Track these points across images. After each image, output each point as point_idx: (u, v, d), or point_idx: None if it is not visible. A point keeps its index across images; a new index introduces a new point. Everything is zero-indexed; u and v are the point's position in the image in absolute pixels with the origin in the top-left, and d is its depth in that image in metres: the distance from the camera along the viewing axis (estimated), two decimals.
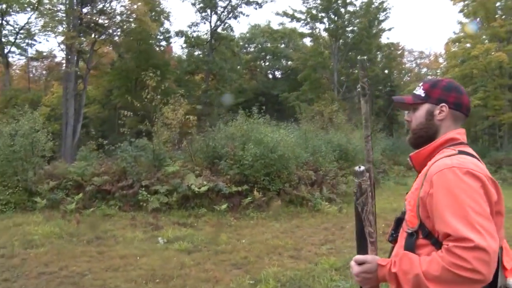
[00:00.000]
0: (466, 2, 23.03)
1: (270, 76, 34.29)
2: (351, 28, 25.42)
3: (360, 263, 1.46)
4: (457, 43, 25.82)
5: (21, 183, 8.93)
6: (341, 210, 9.97)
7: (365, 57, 1.73)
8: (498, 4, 22.21)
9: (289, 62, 33.89)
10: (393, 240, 1.55)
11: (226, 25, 23.98)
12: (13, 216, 8.32)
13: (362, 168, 1.49)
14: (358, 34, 24.65)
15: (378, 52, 27.63)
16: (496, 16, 22.37)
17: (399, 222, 1.54)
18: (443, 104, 1.51)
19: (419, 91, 1.58)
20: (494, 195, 1.31)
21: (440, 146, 1.49)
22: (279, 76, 33.63)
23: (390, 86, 28.90)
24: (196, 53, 28.42)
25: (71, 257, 5.91)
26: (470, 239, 1.18)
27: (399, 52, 30.83)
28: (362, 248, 1.49)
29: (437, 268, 1.22)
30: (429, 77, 31.04)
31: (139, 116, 18.23)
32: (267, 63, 34.05)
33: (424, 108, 1.55)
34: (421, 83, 1.62)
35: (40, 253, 6.02)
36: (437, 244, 1.31)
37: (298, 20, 25.85)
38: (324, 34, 26.51)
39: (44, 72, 28.94)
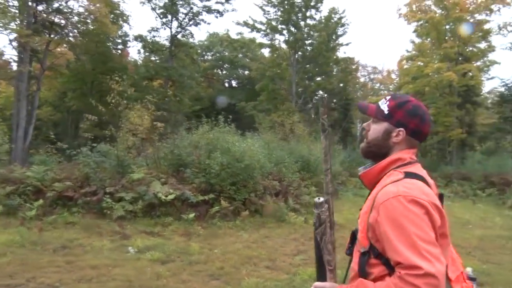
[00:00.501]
0: (420, 23, 24.29)
1: (227, 85, 34.35)
2: (310, 41, 26.01)
3: None
4: (409, 61, 27.21)
5: None
6: (307, 221, 10.12)
7: (326, 95, 1.89)
8: (448, 26, 23.58)
9: (246, 72, 34.16)
10: (350, 253, 1.63)
11: (187, 31, 23.83)
12: None
13: (322, 199, 1.56)
14: (316, 48, 25.27)
15: (334, 66, 28.44)
16: (446, 37, 23.75)
17: (354, 235, 1.62)
18: (401, 129, 1.54)
19: (384, 106, 1.59)
20: (437, 220, 1.39)
21: (387, 166, 1.54)
22: (236, 86, 33.75)
23: (345, 99, 29.80)
24: (152, 58, 28.03)
25: (37, 268, 5.61)
26: (420, 266, 1.26)
27: (354, 67, 31.93)
28: (321, 276, 1.56)
29: None
30: (387, 92, 32.42)
31: (99, 120, 17.69)
32: (224, 72, 34.09)
33: (383, 125, 1.58)
34: (389, 98, 1.62)
35: (2, 263, 5.66)
36: (387, 264, 1.39)
37: (258, 30, 26.14)
38: (283, 45, 26.98)
39: None
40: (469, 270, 1.63)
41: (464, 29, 21.69)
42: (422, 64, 23.43)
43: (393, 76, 35.89)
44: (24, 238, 6.75)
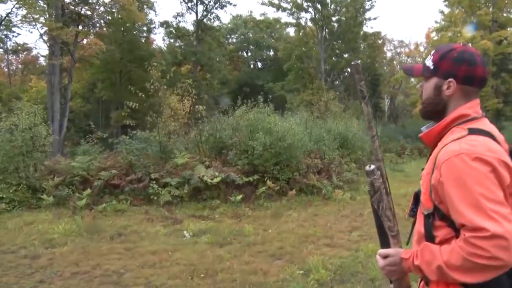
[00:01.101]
0: None
1: (253, 66, 33.96)
2: (337, 17, 25.34)
3: (384, 257, 1.49)
4: (439, 32, 26.18)
5: (24, 180, 8.43)
6: (353, 198, 9.91)
7: (359, 61, 1.59)
8: None
9: (271, 53, 33.68)
10: (414, 215, 1.57)
11: (213, 14, 23.52)
12: (21, 215, 7.85)
13: (372, 167, 1.50)
14: (344, 23, 24.59)
15: (362, 42, 27.67)
16: (478, 4, 22.71)
17: (417, 196, 1.55)
18: (451, 79, 1.44)
19: (429, 62, 1.50)
20: (506, 178, 1.27)
21: (450, 124, 1.44)
22: (262, 67, 33.30)
23: (373, 75, 29.12)
24: (177, 44, 27.88)
25: (99, 255, 5.59)
26: (486, 228, 1.17)
27: (380, 42, 31.06)
28: (384, 242, 1.52)
29: (457, 258, 1.23)
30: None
31: (130, 109, 17.74)
32: (249, 54, 33.70)
33: (433, 81, 1.49)
34: (433, 51, 1.52)
35: (65, 252, 5.67)
36: (453, 226, 1.32)
37: (284, 9, 25.61)
38: (310, 24, 26.37)
39: (19, 66, 27.68)
40: None
41: (468, 30, 20.76)
42: (453, 34, 22.49)
43: (421, 48, 34.75)
44: (80, 227, 6.76)
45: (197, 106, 10.07)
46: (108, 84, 21.29)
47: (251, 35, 31.66)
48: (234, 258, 5.52)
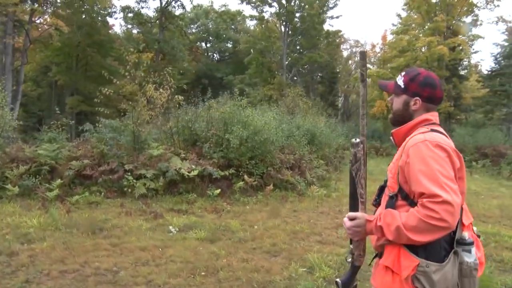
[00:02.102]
0: None
1: (212, 58, 33.40)
2: (300, 13, 25.43)
3: (351, 219, 1.77)
4: (395, 34, 27.08)
5: None
6: (328, 195, 10.01)
7: (366, 49, 1.88)
8: (437, 0, 23.48)
9: (229, 45, 33.31)
10: (377, 204, 1.87)
11: (178, 2, 22.74)
12: None
13: (358, 140, 1.79)
14: (308, 20, 24.73)
15: (324, 39, 27.98)
16: (435, 11, 23.68)
17: (381, 189, 1.86)
18: (417, 98, 1.80)
19: (400, 82, 1.86)
20: (457, 163, 1.64)
21: (416, 125, 1.78)
22: (222, 59, 32.82)
23: (331, 73, 29.61)
24: (135, 31, 26.85)
25: (84, 252, 5.22)
26: (439, 195, 1.49)
27: (339, 40, 31.60)
28: (354, 207, 1.80)
29: (413, 220, 1.53)
30: (371, 65, 32.33)
31: (84, 96, 16.76)
32: (209, 45, 33.11)
33: (402, 97, 1.85)
34: (403, 73, 1.89)
35: (46, 248, 5.24)
36: (413, 204, 1.61)
37: (248, 2, 25.35)
38: (273, 18, 26.26)
39: None
40: (475, 228, 1.81)
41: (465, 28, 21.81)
42: (411, 37, 23.34)
43: (377, 49, 35.83)
44: (57, 221, 6.30)
45: (176, 96, 9.67)
46: (64, 68, 20.05)
47: (211, 26, 31.08)
48: (229, 255, 5.36)
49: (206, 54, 32.66)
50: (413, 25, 28.09)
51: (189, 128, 9.96)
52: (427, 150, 1.59)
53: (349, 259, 1.91)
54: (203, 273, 4.68)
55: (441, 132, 1.72)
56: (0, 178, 7.93)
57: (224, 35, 30.95)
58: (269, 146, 10.20)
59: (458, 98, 24.73)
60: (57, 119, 9.97)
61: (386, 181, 1.82)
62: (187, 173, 8.63)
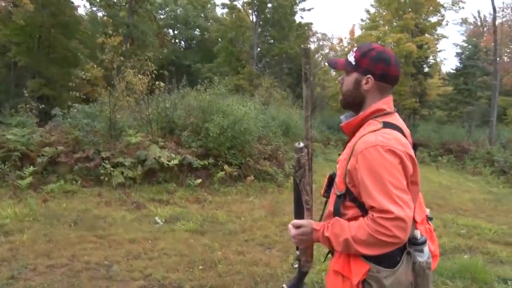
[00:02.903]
0: None
1: (180, 45, 32.61)
2: (273, 4, 25.20)
3: (297, 227, 1.66)
4: (363, 30, 27.44)
5: None
6: None
7: (309, 45, 1.85)
8: None
9: (197, 32, 32.65)
10: (327, 195, 1.76)
11: None
12: None
13: (302, 144, 1.65)
14: (281, 11, 24.56)
15: (295, 31, 27.91)
16: (404, 8, 24.14)
17: (331, 179, 1.74)
18: (369, 75, 1.61)
19: (351, 58, 1.67)
20: (410, 169, 1.50)
21: (367, 116, 1.62)
22: (189, 46, 32.10)
23: (299, 65, 29.56)
24: (100, 14, 25.75)
25: (70, 244, 4.92)
26: (391, 211, 1.39)
27: (310, 33, 31.70)
28: (299, 214, 1.70)
29: (363, 234, 1.44)
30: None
31: (47, 80, 15.75)
32: (176, 32, 32.27)
33: (353, 76, 1.65)
34: (355, 49, 1.69)
35: (27, 241, 4.89)
36: (362, 207, 1.52)
37: None
38: (245, 7, 25.91)
39: None
40: (427, 211, 1.78)
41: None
42: (381, 33, 23.73)
43: (345, 43, 36.26)
44: (35, 211, 5.90)
45: (157, 82, 9.27)
46: (25, 48, 18.87)
47: (179, 12, 30.25)
48: (223, 248, 5.21)
49: (173, 41, 31.85)
50: (381, 21, 28.61)
51: (166, 115, 9.62)
52: (378, 156, 1.45)
53: (296, 265, 1.82)
54: (200, 267, 4.51)
55: (395, 126, 1.57)
56: None
57: (193, 23, 30.23)
58: (248, 136, 10.05)
59: (423, 94, 25.45)
60: (25, 103, 9.35)
61: (333, 173, 1.73)
62: (166, 162, 8.33)
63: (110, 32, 19.72)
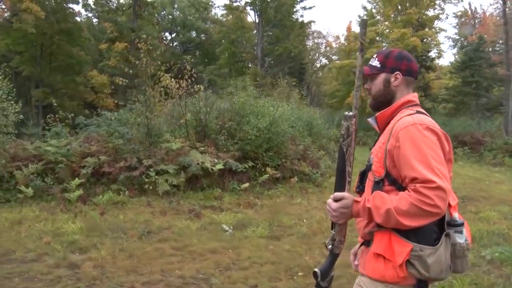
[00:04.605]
0: None
1: (178, 48, 32.12)
2: (274, 3, 24.94)
3: (337, 200, 1.67)
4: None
5: None
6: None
7: (366, 17, 1.69)
8: None
9: (194, 35, 32.21)
10: (360, 190, 1.78)
11: None
12: None
13: (352, 113, 1.68)
14: (285, 10, 24.31)
15: (298, 30, 27.69)
16: (407, 3, 24.17)
17: (363, 175, 1.78)
18: (397, 72, 1.75)
19: (375, 63, 1.79)
20: (446, 146, 1.61)
21: (400, 106, 1.73)
22: (187, 49, 31.63)
23: (300, 63, 29.55)
24: (95, 20, 25.22)
25: (151, 259, 4.65)
26: (433, 180, 1.45)
27: (309, 31, 31.58)
28: (341, 186, 1.68)
29: (405, 204, 1.48)
30: (337, 56, 32.67)
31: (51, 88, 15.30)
32: (173, 35, 31.85)
33: (381, 77, 1.78)
34: (376, 55, 1.82)
35: (106, 258, 4.60)
36: (401, 189, 1.57)
37: None
38: (248, 7, 25.65)
39: None
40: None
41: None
42: (383, 28, 23.72)
43: (342, 39, 36.20)
44: (100, 225, 5.60)
45: (197, 86, 8.98)
46: (28, 57, 18.38)
47: (177, 15, 29.83)
48: (308, 252, 5.00)
49: (171, 45, 31.40)
50: (379, 17, 28.65)
51: (200, 120, 9.33)
52: (418, 133, 1.54)
53: (330, 246, 1.80)
54: (300, 274, 4.29)
55: (426, 114, 1.69)
56: (7, 179, 6.97)
57: (192, 25, 29.82)
58: (282, 137, 9.84)
59: (426, 88, 25.54)
60: (54, 113, 9.00)
61: (368, 166, 1.75)
62: (211, 167, 8.06)
63: (113, 37, 19.31)
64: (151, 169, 7.63)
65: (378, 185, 1.64)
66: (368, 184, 1.72)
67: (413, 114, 1.64)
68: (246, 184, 8.28)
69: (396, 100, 1.75)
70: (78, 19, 25.38)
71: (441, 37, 66.10)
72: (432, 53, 27.20)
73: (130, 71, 10.93)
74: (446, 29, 33.06)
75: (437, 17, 27.01)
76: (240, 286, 3.96)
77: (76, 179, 7.07)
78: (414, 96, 1.76)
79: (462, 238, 1.60)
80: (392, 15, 25.31)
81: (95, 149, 7.73)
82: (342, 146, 1.68)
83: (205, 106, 9.23)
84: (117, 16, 20.84)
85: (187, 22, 29.12)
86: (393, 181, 1.60)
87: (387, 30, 23.53)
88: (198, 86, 8.90)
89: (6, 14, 18.64)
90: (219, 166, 8.19)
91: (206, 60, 28.51)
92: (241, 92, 10.18)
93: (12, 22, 17.43)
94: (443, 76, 29.45)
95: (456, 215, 1.62)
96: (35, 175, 7.20)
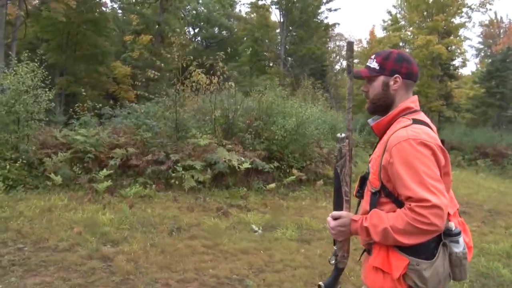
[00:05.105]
0: None
1: (201, 44, 32.13)
2: (300, 4, 24.79)
3: (335, 218, 1.69)
4: (386, 31, 27.08)
5: (23, 154, 6.79)
6: None
7: (354, 40, 1.49)
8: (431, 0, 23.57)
9: (216, 31, 32.19)
10: (360, 196, 1.78)
11: None
12: (26, 198, 6.30)
13: (343, 135, 1.69)
14: (310, 11, 24.15)
15: (323, 31, 27.53)
16: (434, 10, 23.77)
17: (363, 180, 1.77)
18: (397, 75, 1.68)
19: (373, 64, 1.72)
20: (442, 160, 1.55)
21: (397, 114, 1.67)
22: (209, 45, 31.62)
23: (321, 66, 29.36)
24: (119, 12, 25.34)
25: (184, 256, 4.59)
26: (428, 199, 1.43)
27: (330, 33, 31.34)
28: (338, 205, 1.71)
29: (401, 223, 1.47)
30: (360, 59, 32.39)
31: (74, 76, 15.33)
32: (196, 30, 31.89)
33: (380, 79, 1.71)
34: (373, 56, 1.75)
35: (138, 252, 4.55)
36: (397, 202, 1.56)
37: None
38: (273, 6, 25.54)
39: None
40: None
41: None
42: (409, 34, 23.38)
43: (364, 44, 35.87)
44: (130, 218, 5.56)
45: (228, 83, 8.92)
46: (55, 45, 18.55)
47: (201, 10, 29.84)
48: None
49: (194, 40, 31.43)
50: (403, 22, 28.30)
51: (227, 117, 9.27)
52: (411, 149, 1.50)
53: (333, 261, 1.81)
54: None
55: (424, 122, 1.62)
56: (36, 167, 6.99)
57: (216, 21, 29.77)
58: (308, 139, 9.73)
59: (448, 97, 25.11)
60: (82, 102, 9.03)
61: (368, 173, 1.73)
62: (238, 166, 7.99)
63: (138, 29, 19.34)
64: (178, 164, 7.59)
65: (374, 196, 1.63)
66: (367, 192, 1.71)
67: (408, 126, 1.57)
68: (273, 185, 8.20)
69: (395, 105, 1.70)
70: (104, 9, 25.63)
71: (465, 45, 65.09)
72: (456, 62, 26.80)
73: (160, 63, 10.89)
74: (471, 38, 32.30)
75: (463, 25, 26.58)
76: None
77: (104, 169, 7.06)
78: (412, 102, 1.70)
79: (458, 247, 1.58)
80: (417, 21, 24.90)
81: (123, 141, 7.71)
82: (336, 167, 1.70)
83: (234, 103, 9.17)
84: (143, 8, 20.87)
85: (211, 17, 29.07)
86: (389, 193, 1.59)
87: (412, 36, 23.15)
88: (229, 83, 8.81)
89: (35, 2, 18.78)
90: (246, 165, 8.12)
91: (227, 57, 28.39)
92: (269, 91, 10.08)
93: (42, 10, 17.57)
94: (463, 86, 28.89)
95: (451, 224, 1.58)
96: (63, 163, 7.22)
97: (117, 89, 21.50)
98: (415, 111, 1.68)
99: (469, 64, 61.24)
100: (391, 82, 1.68)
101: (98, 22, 18.87)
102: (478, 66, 38.87)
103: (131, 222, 5.50)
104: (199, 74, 8.58)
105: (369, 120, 1.82)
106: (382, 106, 1.72)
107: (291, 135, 9.18)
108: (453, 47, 23.57)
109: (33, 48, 19.74)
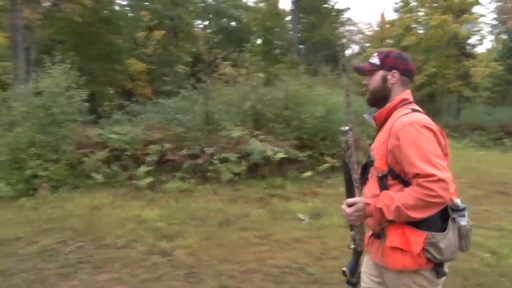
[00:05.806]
0: None
1: (212, 36, 32.00)
2: None
3: (351, 205, 1.80)
4: (407, 13, 26.57)
5: (64, 155, 6.86)
6: None
7: (344, 41, 1.58)
8: None
9: (224, 22, 32.05)
10: (362, 182, 1.91)
11: None
12: (71, 197, 6.39)
13: (347, 127, 1.84)
14: None
15: (329, 17, 27.20)
16: None
17: (364, 168, 1.92)
18: (395, 70, 1.87)
19: (375, 60, 1.91)
20: (442, 141, 1.73)
21: (396, 105, 1.85)
22: (220, 36, 31.48)
23: (334, 51, 29.04)
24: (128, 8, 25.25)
25: (240, 247, 4.65)
26: (435, 174, 1.58)
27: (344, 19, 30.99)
28: (350, 193, 1.84)
29: (412, 199, 1.61)
30: (370, 44, 32.01)
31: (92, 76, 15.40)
32: (206, 22, 31.76)
33: (380, 74, 1.90)
34: (376, 53, 1.95)
35: (194, 246, 4.59)
36: (404, 182, 1.70)
37: None
38: None
39: None
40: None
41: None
42: (423, 15, 22.98)
43: (375, 27, 35.35)
44: (178, 213, 5.62)
45: (258, 74, 8.90)
46: (70, 46, 18.67)
47: (210, 1, 29.65)
48: None
49: (205, 32, 31.32)
50: (415, 3, 27.80)
51: (256, 107, 9.24)
52: (416, 131, 1.67)
53: (352, 246, 1.93)
54: None
55: (421, 111, 1.81)
56: (76, 166, 7.06)
57: (225, 13, 29.61)
58: (338, 126, 9.67)
59: (466, 76, 24.70)
60: (110, 100, 9.08)
61: (369, 162, 1.87)
62: (272, 156, 7.98)
63: (151, 25, 19.32)
64: (215, 157, 7.61)
65: (382, 180, 1.78)
66: (373, 178, 1.85)
67: (409, 113, 1.76)
68: (309, 173, 8.19)
69: (392, 98, 1.87)
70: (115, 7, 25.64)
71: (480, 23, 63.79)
72: (473, 40, 26.32)
73: (181, 57, 10.89)
74: (486, 14, 31.64)
75: (476, 2, 26.06)
76: (339, 277, 3.84)
77: (144, 166, 7.11)
78: (408, 94, 1.88)
79: (464, 221, 1.73)
80: (429, 2, 24.43)
81: (158, 137, 7.74)
82: (345, 158, 1.85)
83: (263, 94, 9.14)
84: (153, 3, 20.82)
85: (220, 9, 28.91)
86: (396, 175, 1.74)
87: (426, 17, 22.74)
88: (259, 74, 8.79)
89: (48, 3, 18.83)
90: (280, 155, 8.10)
91: (238, 49, 28.29)
92: (293, 80, 10.02)
93: (56, 11, 17.63)
94: (478, 64, 28.39)
95: (457, 201, 1.76)
96: (101, 162, 7.28)
97: (134, 85, 21.56)
98: (410, 102, 1.87)
99: (484, 42, 59.98)
100: (389, 77, 1.87)
101: (111, 21, 18.92)
102: (494, 43, 38.19)
103: (180, 217, 5.54)
104: (226, 66, 8.55)
105: (366, 115, 1.99)
106: (380, 98, 1.90)
107: (321, 122, 9.13)
108: (469, 25, 23.12)
109: (48, 50, 19.92)
